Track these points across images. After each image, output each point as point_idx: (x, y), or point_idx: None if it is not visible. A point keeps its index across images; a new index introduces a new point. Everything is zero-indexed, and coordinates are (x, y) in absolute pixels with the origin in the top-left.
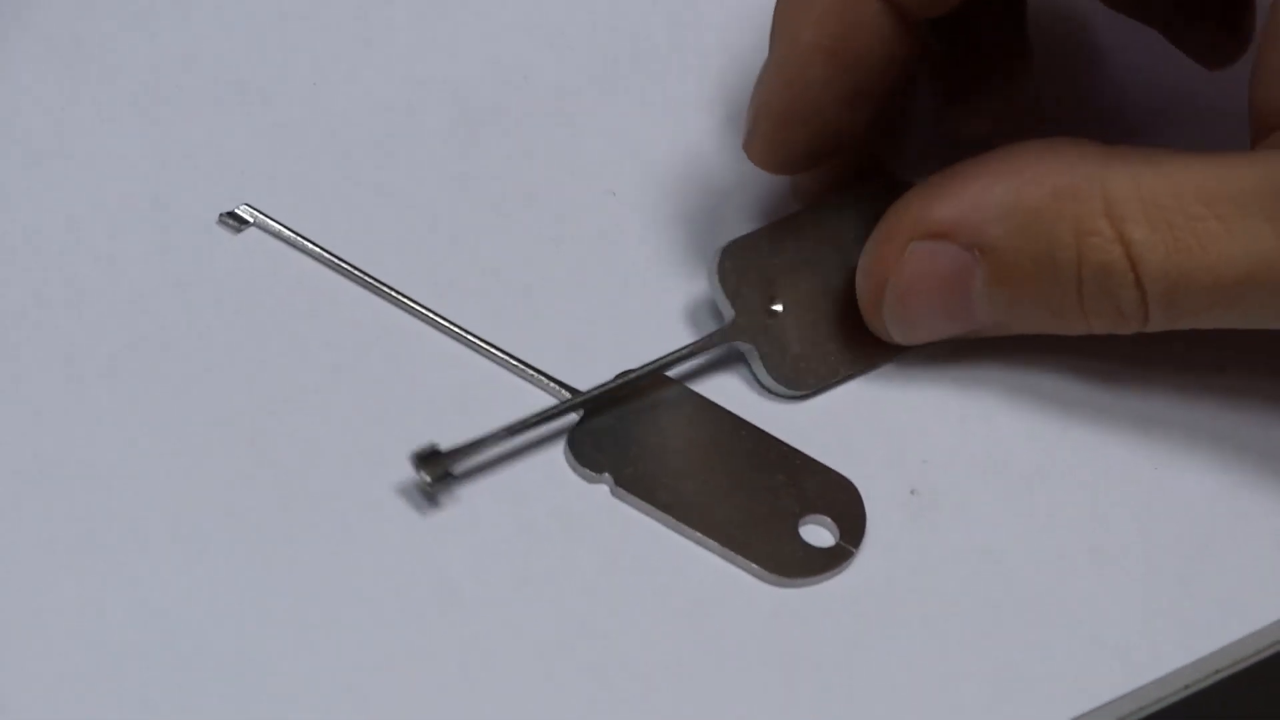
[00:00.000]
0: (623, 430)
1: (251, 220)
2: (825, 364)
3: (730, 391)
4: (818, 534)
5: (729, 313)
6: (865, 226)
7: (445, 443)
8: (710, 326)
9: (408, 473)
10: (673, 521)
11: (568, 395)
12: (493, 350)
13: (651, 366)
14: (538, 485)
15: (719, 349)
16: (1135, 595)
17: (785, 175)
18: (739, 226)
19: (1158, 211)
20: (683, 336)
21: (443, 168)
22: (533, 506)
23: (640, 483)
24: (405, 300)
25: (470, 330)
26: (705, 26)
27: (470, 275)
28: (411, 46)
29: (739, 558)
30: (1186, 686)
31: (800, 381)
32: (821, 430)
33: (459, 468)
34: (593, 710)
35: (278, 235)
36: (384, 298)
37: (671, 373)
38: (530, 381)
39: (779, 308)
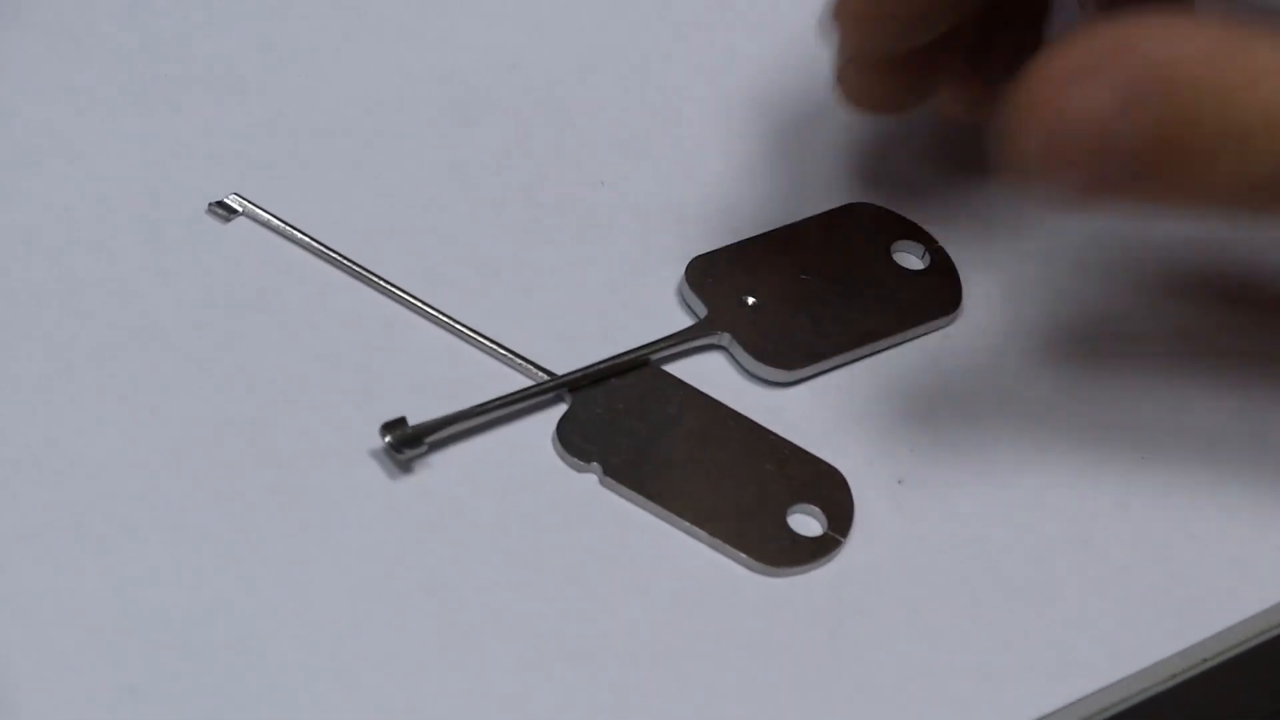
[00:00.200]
0: (611, 420)
1: (240, 210)
2: (808, 346)
3: (719, 382)
4: (806, 523)
5: (702, 311)
6: (838, 244)
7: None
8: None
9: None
10: (661, 511)
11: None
12: (481, 339)
13: (627, 356)
14: (527, 474)
15: (699, 341)
16: (1121, 585)
17: (882, 114)
18: (728, 217)
19: None
20: (673, 326)
21: (432, 157)
22: (522, 496)
23: (629, 472)
24: (394, 290)
25: (458, 319)
26: (696, 16)
27: (459, 265)
28: (401, 36)
29: (727, 547)
30: (1173, 676)
31: (785, 362)
32: (809, 420)
33: (431, 439)
34: (582, 699)
35: (266, 224)
36: (373, 287)
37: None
38: (518, 370)
39: (752, 300)
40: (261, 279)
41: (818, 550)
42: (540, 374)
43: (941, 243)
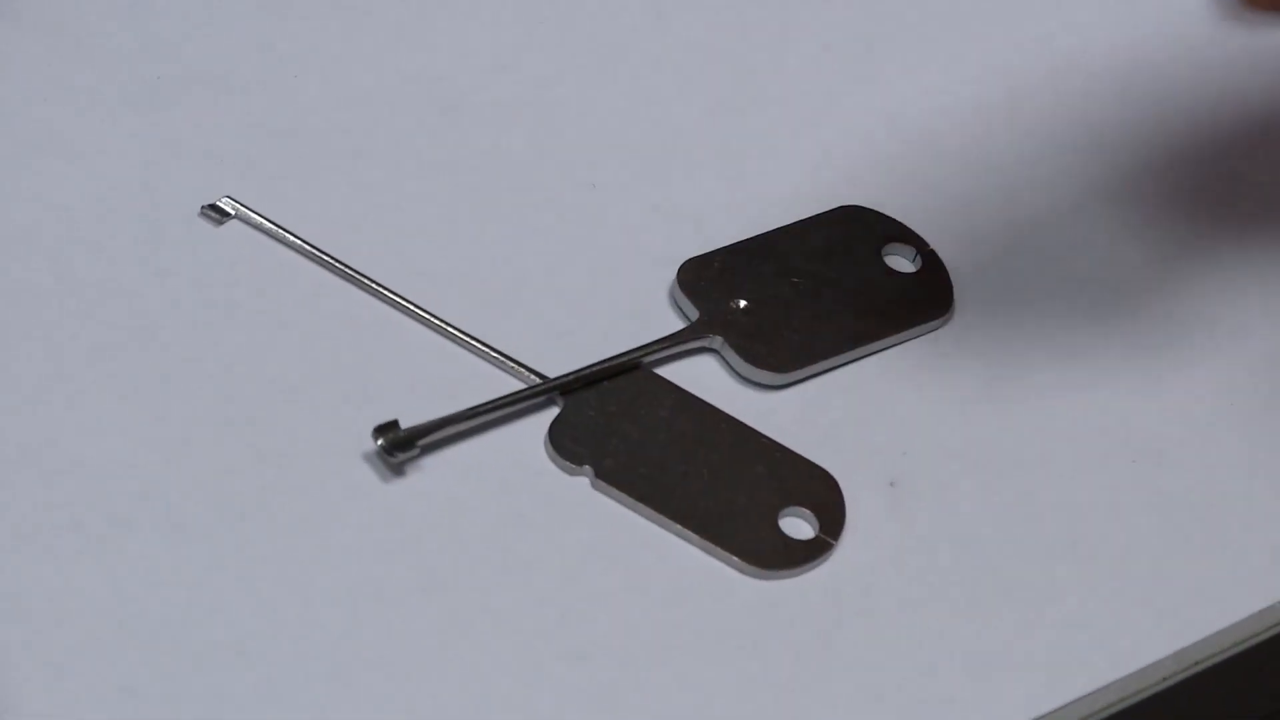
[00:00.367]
0: (603, 423)
1: (233, 212)
2: (800, 348)
3: (711, 385)
4: (797, 526)
5: (693, 314)
6: (829, 247)
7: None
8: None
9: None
10: (653, 513)
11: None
12: (473, 342)
13: (619, 359)
14: (519, 477)
15: (691, 344)
16: (1114, 587)
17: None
18: (720, 220)
19: None
20: (664, 328)
21: (423, 159)
22: (514, 498)
23: (621, 475)
24: (386, 292)
25: (451, 322)
26: (684, 16)
27: (451, 267)
28: (392, 39)
29: (719, 549)
30: (1165, 679)
31: (777, 365)
32: (801, 423)
33: (423, 442)
34: (575, 700)
35: (259, 227)
36: (367, 291)
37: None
38: (510, 373)
39: (743, 304)
40: (254, 281)
41: (809, 553)
42: (532, 377)
43: (932, 245)
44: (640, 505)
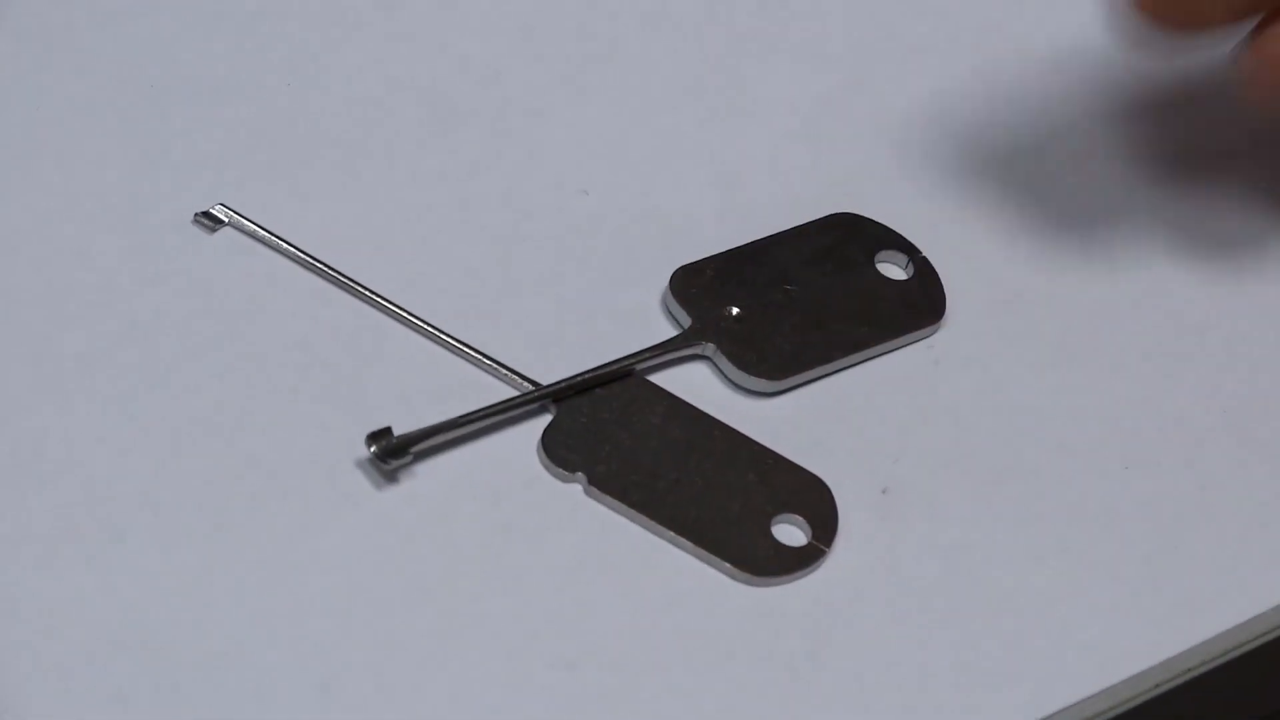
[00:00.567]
0: (596, 430)
1: (226, 220)
2: (792, 355)
3: (703, 392)
4: (790, 533)
5: (686, 321)
6: (822, 254)
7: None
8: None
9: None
10: (646, 521)
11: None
12: (466, 349)
13: (612, 366)
14: (512, 484)
15: (683, 351)
16: (1106, 594)
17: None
18: (712, 227)
19: None
20: (656, 336)
21: (416, 167)
22: (507, 505)
23: (614, 482)
24: (380, 300)
25: (444, 329)
26: (676, 24)
27: (444, 274)
28: (384, 46)
29: (712, 557)
30: (1157, 685)
31: (769, 372)
32: (793, 430)
33: (416, 449)
34: (567, 708)
35: (252, 235)
36: (359, 298)
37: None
38: (503, 380)
39: (736, 310)
40: (247, 289)
41: (802, 560)
42: (525, 384)
43: (925, 252)
44: (633, 512)
